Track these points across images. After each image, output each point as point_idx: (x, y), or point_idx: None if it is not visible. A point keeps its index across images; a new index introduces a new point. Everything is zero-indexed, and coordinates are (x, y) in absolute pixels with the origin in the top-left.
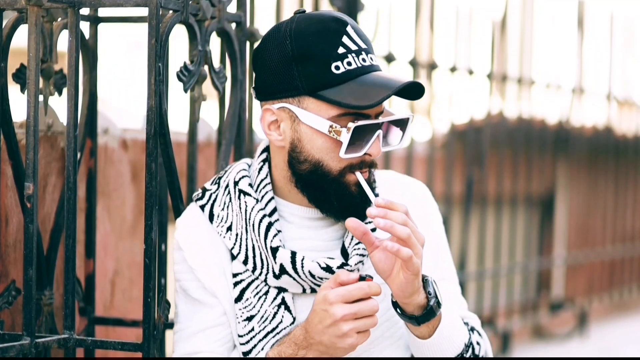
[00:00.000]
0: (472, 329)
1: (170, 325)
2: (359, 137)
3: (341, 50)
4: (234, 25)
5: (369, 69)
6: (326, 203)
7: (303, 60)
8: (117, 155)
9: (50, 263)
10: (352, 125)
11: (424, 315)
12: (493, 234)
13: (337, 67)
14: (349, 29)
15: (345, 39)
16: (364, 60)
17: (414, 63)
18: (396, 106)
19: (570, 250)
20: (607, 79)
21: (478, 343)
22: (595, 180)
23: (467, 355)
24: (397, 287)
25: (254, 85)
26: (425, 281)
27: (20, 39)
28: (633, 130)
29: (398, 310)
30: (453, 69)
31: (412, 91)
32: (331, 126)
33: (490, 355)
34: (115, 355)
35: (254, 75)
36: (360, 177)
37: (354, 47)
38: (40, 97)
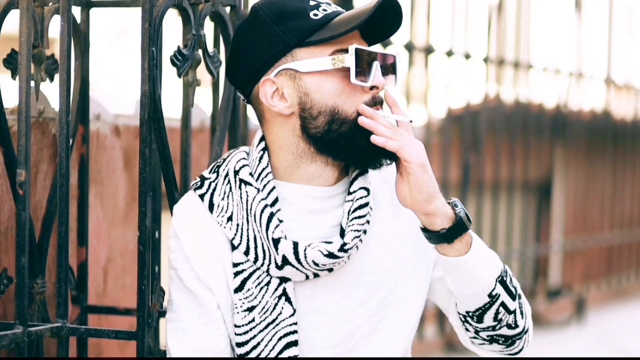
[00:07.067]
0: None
1: (165, 313)
2: (361, 64)
3: (312, 2)
4: (228, 9)
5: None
6: (355, 149)
7: (282, 19)
8: (109, 142)
9: (42, 251)
10: (352, 47)
11: (454, 228)
12: (490, 219)
13: (315, 15)
14: None
15: None
16: (336, 7)
17: (410, 47)
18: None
19: (568, 237)
20: (605, 63)
21: (512, 281)
22: (593, 165)
23: (507, 281)
24: (412, 191)
25: (229, 74)
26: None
27: (11, 24)
28: (631, 114)
29: (426, 234)
30: (450, 53)
31: (392, 18)
32: (333, 58)
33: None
34: (109, 344)
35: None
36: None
37: (323, 0)
38: (32, 83)
